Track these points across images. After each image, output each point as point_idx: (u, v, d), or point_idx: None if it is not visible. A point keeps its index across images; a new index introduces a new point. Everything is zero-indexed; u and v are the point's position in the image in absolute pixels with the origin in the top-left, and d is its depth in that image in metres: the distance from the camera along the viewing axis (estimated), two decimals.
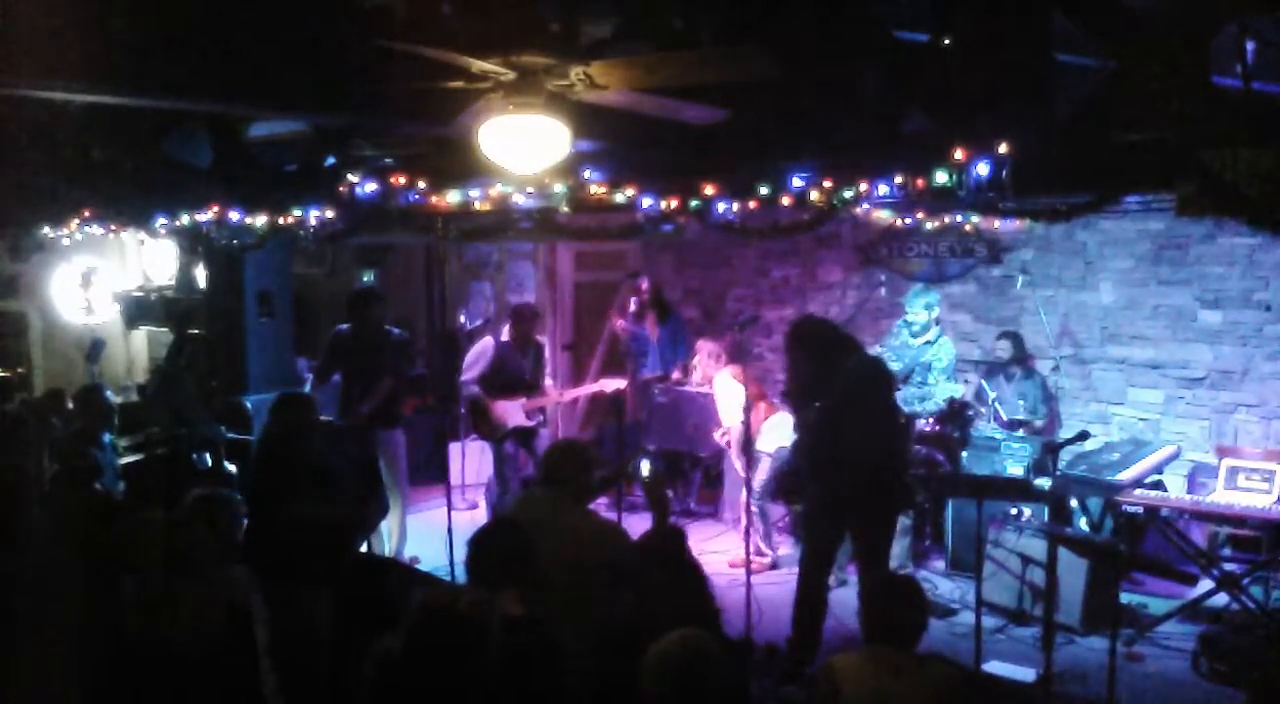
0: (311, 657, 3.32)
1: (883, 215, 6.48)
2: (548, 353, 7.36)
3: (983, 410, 6.72)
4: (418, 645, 2.59)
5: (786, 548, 6.71)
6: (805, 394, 4.93)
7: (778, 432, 6.39)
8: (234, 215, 6.60)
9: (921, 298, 6.72)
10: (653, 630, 2.62)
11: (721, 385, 6.75)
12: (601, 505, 6.48)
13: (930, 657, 3.07)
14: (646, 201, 5.31)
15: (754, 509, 6.29)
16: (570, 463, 3.91)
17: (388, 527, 6.33)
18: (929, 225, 6.98)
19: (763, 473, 6.43)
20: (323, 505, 4.55)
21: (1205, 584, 5.38)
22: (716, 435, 6.82)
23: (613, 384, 6.77)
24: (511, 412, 6.72)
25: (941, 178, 4.50)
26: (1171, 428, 6.82)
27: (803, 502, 5.24)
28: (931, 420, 6.55)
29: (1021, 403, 6.60)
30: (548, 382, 7.14)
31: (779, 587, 5.89)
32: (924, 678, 2.95)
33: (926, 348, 6.61)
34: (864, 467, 4.65)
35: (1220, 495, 5.48)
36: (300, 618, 3.51)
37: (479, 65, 3.63)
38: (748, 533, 5.75)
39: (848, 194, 4.81)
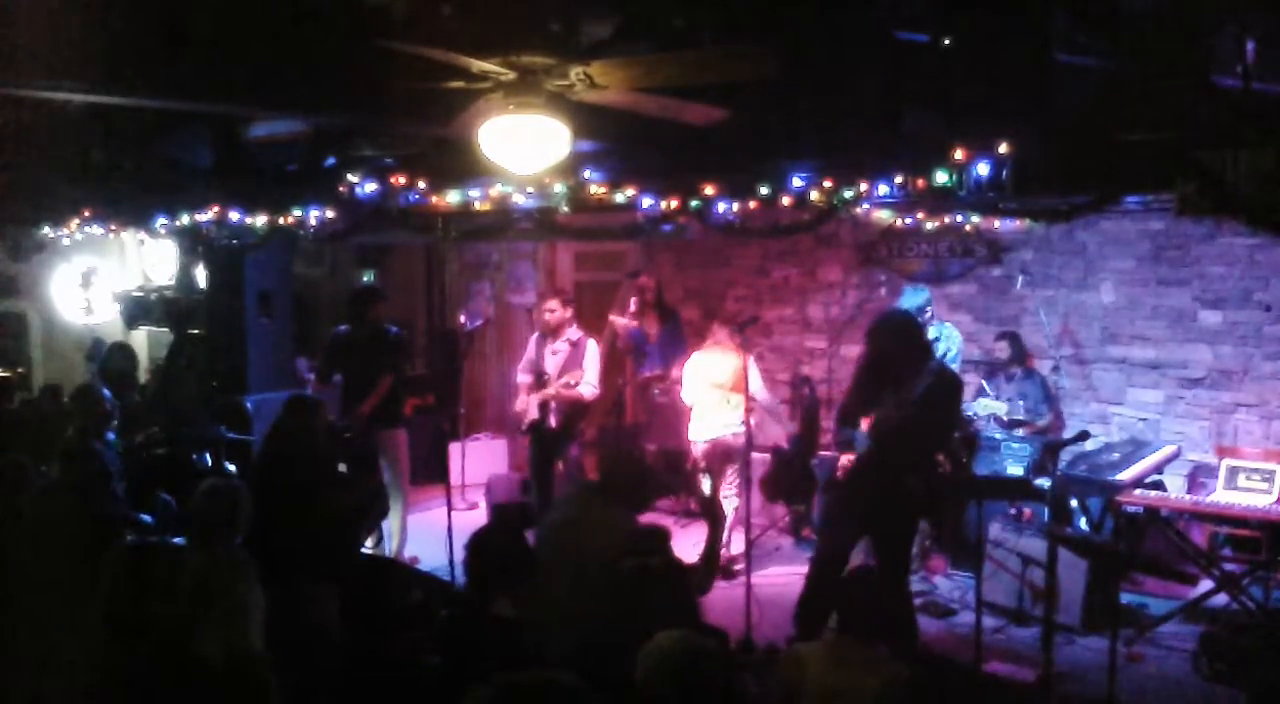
0: (321, 654, 3.32)
1: (883, 215, 6.48)
2: (589, 359, 6.48)
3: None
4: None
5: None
6: (871, 391, 4.75)
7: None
8: (234, 215, 6.60)
9: (914, 297, 6.71)
10: (636, 626, 2.63)
11: (705, 360, 6.45)
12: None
13: (891, 657, 3.12)
14: (646, 201, 5.31)
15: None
16: (627, 477, 4.17)
17: (388, 526, 6.33)
18: (929, 225, 6.98)
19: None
20: (326, 504, 4.57)
21: (1205, 584, 5.39)
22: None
23: (573, 382, 6.41)
24: (531, 404, 6.50)
25: (941, 178, 4.50)
26: (1171, 428, 6.82)
27: (823, 502, 5.20)
28: None
29: (1022, 403, 6.60)
30: (583, 385, 6.43)
31: (779, 587, 5.89)
32: (883, 676, 2.99)
33: (935, 344, 6.57)
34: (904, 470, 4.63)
35: (1220, 495, 5.48)
36: (307, 615, 3.52)
37: (479, 65, 3.63)
38: (748, 531, 5.75)
39: (848, 194, 4.81)
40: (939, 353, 6.51)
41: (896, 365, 4.62)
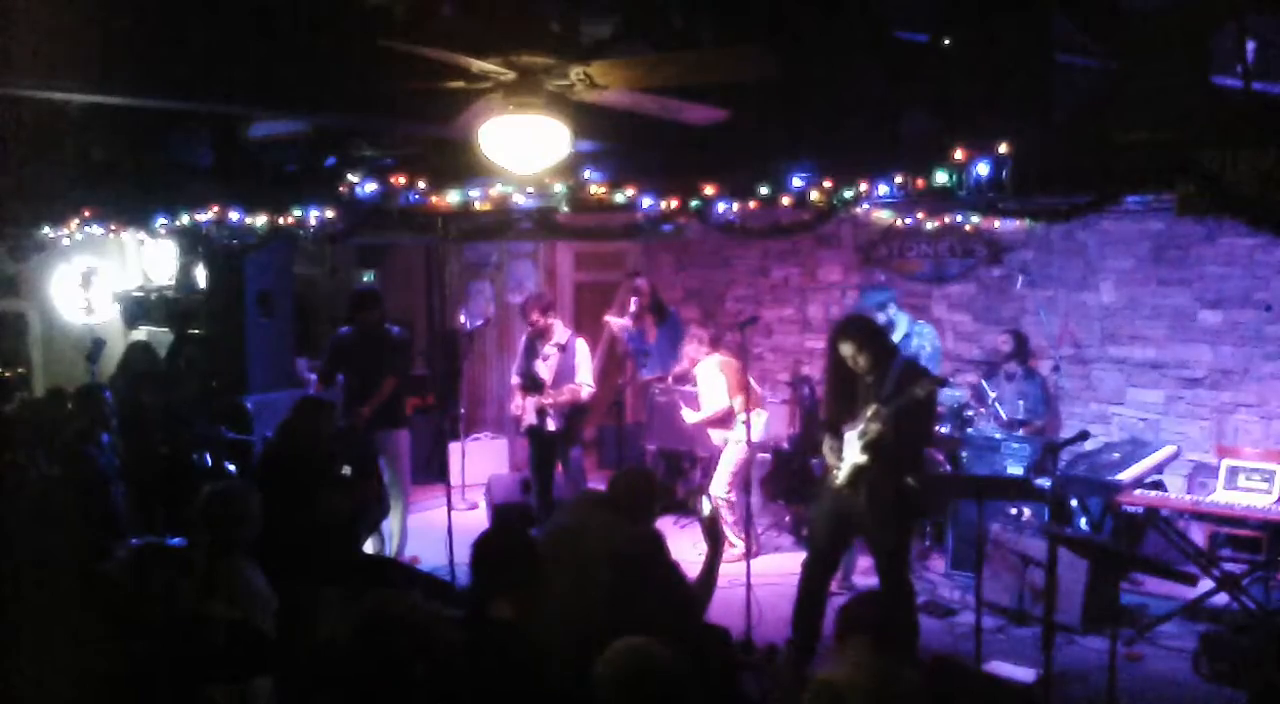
0: (318, 654, 3.32)
1: (883, 215, 6.49)
2: (580, 358, 6.43)
3: (982, 410, 6.72)
4: (362, 647, 2.64)
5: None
6: (845, 396, 4.77)
7: (758, 424, 6.40)
8: (234, 215, 6.60)
9: (877, 296, 6.79)
10: (632, 625, 2.62)
11: (704, 372, 6.68)
12: None
13: (899, 661, 3.10)
14: (646, 201, 5.31)
15: (729, 499, 6.37)
16: (633, 490, 4.10)
17: (389, 527, 6.33)
18: (929, 225, 6.99)
19: (731, 464, 6.46)
20: (327, 505, 4.57)
21: (1205, 584, 5.38)
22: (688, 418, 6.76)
23: (571, 390, 6.38)
24: (527, 409, 6.50)
25: (941, 178, 4.50)
26: (1171, 428, 6.82)
27: (811, 510, 5.20)
28: None
29: (1021, 403, 6.60)
30: (577, 385, 6.36)
31: (779, 587, 5.88)
32: (909, 683, 2.97)
33: (906, 343, 6.59)
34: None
35: (1220, 495, 5.47)
36: (307, 616, 3.53)
37: (479, 65, 3.63)
38: (747, 529, 5.75)
39: (848, 194, 4.81)
40: (912, 349, 6.54)
41: (863, 367, 4.63)
